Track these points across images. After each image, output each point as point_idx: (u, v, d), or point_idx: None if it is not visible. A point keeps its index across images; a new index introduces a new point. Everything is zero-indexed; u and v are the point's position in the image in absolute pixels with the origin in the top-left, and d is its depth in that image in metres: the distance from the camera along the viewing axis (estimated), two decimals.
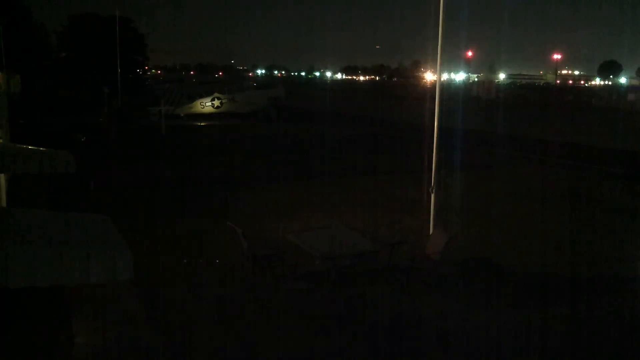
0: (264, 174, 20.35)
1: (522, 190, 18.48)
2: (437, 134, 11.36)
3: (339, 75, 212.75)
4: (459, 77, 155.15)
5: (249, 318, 8.77)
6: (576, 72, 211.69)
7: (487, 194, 18.02)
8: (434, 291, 9.85)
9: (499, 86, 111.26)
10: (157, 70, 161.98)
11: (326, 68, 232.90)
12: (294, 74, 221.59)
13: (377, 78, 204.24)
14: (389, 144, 29.57)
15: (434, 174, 11.31)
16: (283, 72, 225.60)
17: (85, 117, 36.29)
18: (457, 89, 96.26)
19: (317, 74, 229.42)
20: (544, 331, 8.58)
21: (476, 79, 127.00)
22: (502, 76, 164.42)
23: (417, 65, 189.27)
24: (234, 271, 10.36)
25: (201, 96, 43.86)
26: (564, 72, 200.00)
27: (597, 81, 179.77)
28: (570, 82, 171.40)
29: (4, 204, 13.28)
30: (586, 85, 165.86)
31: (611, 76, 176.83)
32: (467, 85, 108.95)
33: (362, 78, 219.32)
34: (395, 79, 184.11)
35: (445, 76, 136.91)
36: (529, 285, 10.39)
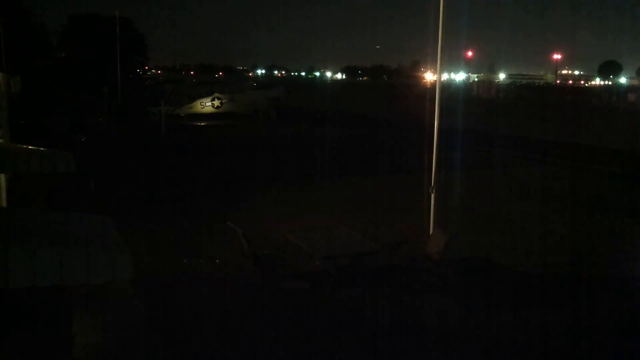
0: (264, 174, 20.33)
1: (522, 190, 18.46)
2: (437, 134, 11.35)
3: (339, 76, 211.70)
4: (459, 77, 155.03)
5: (249, 318, 8.76)
6: (576, 72, 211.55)
7: (487, 194, 18.01)
8: (434, 291, 9.85)
9: (501, 85, 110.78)
10: (157, 70, 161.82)
11: (326, 68, 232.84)
12: (294, 74, 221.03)
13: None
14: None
15: (434, 174, 11.30)
16: (283, 72, 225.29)
17: (85, 117, 36.26)
18: (457, 89, 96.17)
19: (317, 74, 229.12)
20: (544, 331, 8.58)
21: (476, 79, 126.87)
22: (502, 76, 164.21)
23: (417, 65, 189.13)
24: (234, 271, 10.36)
25: (201, 96, 43.83)
26: (564, 72, 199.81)
27: (597, 81, 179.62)
28: (570, 82, 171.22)
29: (4, 204, 13.28)
30: (586, 85, 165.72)
31: (611, 76, 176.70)
32: (467, 85, 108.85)
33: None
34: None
35: (445, 76, 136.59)
36: (529, 285, 10.39)
